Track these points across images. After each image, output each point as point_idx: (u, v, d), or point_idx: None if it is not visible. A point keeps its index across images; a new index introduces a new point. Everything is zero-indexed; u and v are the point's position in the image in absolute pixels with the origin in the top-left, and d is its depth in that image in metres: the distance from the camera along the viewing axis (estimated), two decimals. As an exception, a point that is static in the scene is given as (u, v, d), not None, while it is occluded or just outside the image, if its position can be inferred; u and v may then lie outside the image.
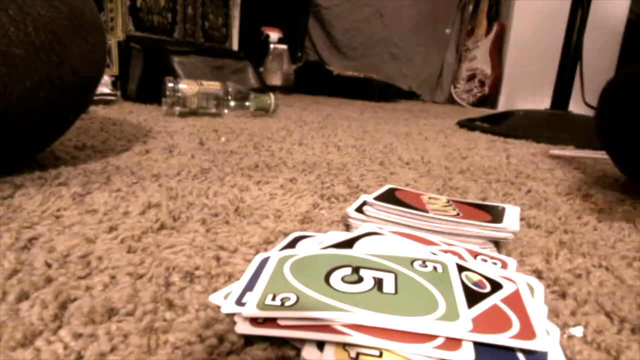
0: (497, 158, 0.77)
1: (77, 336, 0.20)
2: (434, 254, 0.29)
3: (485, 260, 0.30)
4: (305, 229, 0.36)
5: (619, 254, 0.35)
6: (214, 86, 1.01)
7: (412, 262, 0.27)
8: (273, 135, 0.82)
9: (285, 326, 0.20)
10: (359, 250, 0.29)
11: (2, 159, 0.44)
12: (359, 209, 0.38)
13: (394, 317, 0.21)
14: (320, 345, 0.20)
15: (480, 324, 0.21)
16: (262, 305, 0.22)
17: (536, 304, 0.24)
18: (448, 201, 0.40)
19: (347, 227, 0.37)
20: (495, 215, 0.37)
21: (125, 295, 0.23)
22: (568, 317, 0.25)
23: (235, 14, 2.04)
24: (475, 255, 0.30)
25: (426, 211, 0.36)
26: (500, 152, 0.85)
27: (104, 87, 1.08)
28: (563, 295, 0.27)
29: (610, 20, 2.00)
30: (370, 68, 2.39)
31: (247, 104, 1.06)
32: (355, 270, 0.26)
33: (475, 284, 0.25)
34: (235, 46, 2.06)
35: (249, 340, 0.21)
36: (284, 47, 1.93)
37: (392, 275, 0.25)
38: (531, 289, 0.26)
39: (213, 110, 1.02)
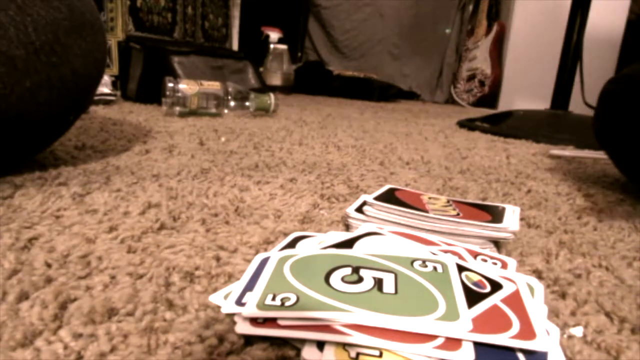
0: (497, 158, 0.77)
1: (77, 336, 0.20)
2: (434, 254, 0.29)
3: (485, 260, 0.30)
4: (305, 229, 0.36)
5: (619, 254, 0.35)
6: (214, 86, 1.01)
7: (412, 262, 0.27)
8: (273, 135, 0.82)
9: (285, 326, 0.20)
10: (359, 250, 0.29)
11: (2, 159, 0.44)
12: (359, 209, 0.38)
13: (394, 317, 0.21)
14: (320, 345, 0.20)
15: (480, 324, 0.21)
16: (262, 305, 0.22)
17: (536, 304, 0.24)
18: (448, 201, 0.40)
19: (347, 227, 0.37)
20: (495, 215, 0.37)
21: (125, 295, 0.23)
22: (568, 317, 0.25)
23: (235, 14, 2.04)
24: (475, 255, 0.30)
25: (426, 211, 0.36)
26: (500, 152, 0.85)
27: (104, 87, 1.08)
28: (563, 295, 0.27)
29: (610, 20, 2.00)
30: (370, 68, 2.39)
31: (247, 104, 1.06)
32: (355, 270, 0.26)
33: (475, 284, 0.25)
34: (235, 46, 2.06)
35: (249, 340, 0.21)
36: (284, 47, 1.93)
37: (392, 275, 0.25)
38: (531, 289, 0.26)
39: (213, 110, 1.02)
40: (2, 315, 0.21)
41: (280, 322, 0.21)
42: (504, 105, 2.18)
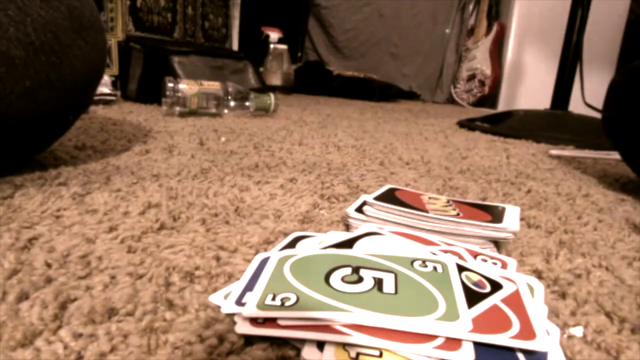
0: (497, 158, 0.77)
1: (77, 336, 0.20)
2: (434, 254, 0.29)
3: (485, 260, 0.30)
4: (305, 229, 0.36)
5: (619, 254, 0.35)
6: (214, 86, 1.01)
7: (412, 262, 0.27)
8: (273, 135, 0.82)
9: (285, 326, 0.20)
10: (359, 250, 0.29)
11: (2, 159, 0.44)
12: (359, 209, 0.38)
13: (394, 317, 0.21)
14: (320, 345, 0.20)
15: (480, 324, 0.21)
16: (262, 305, 0.22)
17: (536, 304, 0.24)
18: (448, 201, 0.40)
19: (347, 227, 0.37)
20: (495, 215, 0.37)
21: (125, 295, 0.23)
22: (568, 317, 0.25)
23: (235, 14, 2.04)
24: (475, 255, 0.30)
25: (426, 211, 0.36)
26: (500, 152, 0.85)
27: (104, 87, 1.08)
28: (563, 295, 0.27)
29: (610, 20, 2.00)
30: (370, 68, 2.39)
31: (247, 104, 1.06)
32: (355, 270, 0.26)
33: (475, 284, 0.25)
34: (235, 46, 2.06)
35: (249, 340, 0.21)
36: (284, 47, 1.93)
37: (392, 275, 0.25)
38: (531, 289, 0.26)
39: (213, 110, 1.02)
40: (2, 315, 0.21)
41: (280, 322, 0.21)
42: (504, 105, 2.18)
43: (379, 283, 0.24)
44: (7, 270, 0.25)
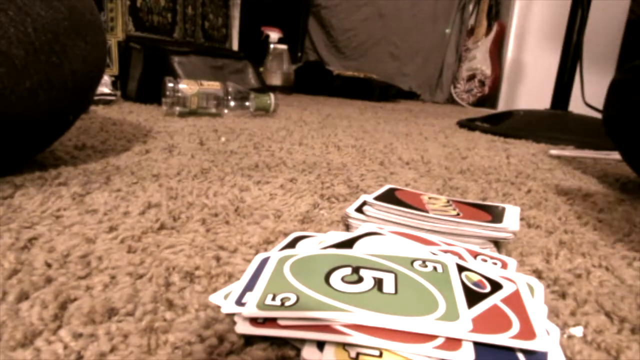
0: (497, 158, 0.77)
1: (77, 336, 0.20)
2: (434, 254, 0.29)
3: (485, 260, 0.30)
4: (305, 229, 0.36)
5: (619, 254, 0.35)
6: (214, 86, 1.01)
7: (412, 262, 0.27)
8: (273, 135, 0.82)
9: (285, 326, 0.20)
10: (359, 250, 0.29)
11: (2, 159, 0.44)
12: (359, 209, 0.38)
13: (394, 317, 0.21)
14: (320, 345, 0.20)
15: (480, 324, 0.21)
16: (262, 305, 0.22)
17: (536, 304, 0.24)
18: (448, 201, 0.40)
19: (347, 227, 0.37)
20: (495, 215, 0.37)
21: (125, 295, 0.23)
22: (568, 317, 0.25)
23: (235, 14, 2.04)
24: (475, 255, 0.30)
25: (426, 211, 0.36)
26: (500, 152, 0.85)
27: (104, 87, 1.08)
28: (563, 295, 0.27)
29: (610, 20, 2.00)
30: (370, 68, 2.39)
31: (247, 104, 1.06)
32: (355, 270, 0.26)
33: (475, 284, 0.25)
34: (235, 46, 2.06)
35: (249, 340, 0.21)
36: (284, 47, 1.93)
37: (392, 275, 0.25)
38: (531, 289, 0.26)
39: (213, 110, 1.02)
40: (2, 315, 0.21)
41: (280, 322, 0.21)
42: (504, 105, 2.18)
43: (379, 283, 0.24)
44: (7, 270, 0.25)
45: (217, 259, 0.29)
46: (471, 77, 2.30)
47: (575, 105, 1.19)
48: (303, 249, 0.30)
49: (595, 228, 0.42)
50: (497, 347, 0.20)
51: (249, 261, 0.28)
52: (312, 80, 2.08)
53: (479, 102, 2.29)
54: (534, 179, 0.62)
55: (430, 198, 0.41)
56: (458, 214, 0.36)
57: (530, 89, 2.13)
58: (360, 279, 0.25)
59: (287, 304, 0.22)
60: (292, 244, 0.31)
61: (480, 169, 0.66)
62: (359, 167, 0.61)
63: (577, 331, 0.23)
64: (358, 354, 0.19)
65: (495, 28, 2.22)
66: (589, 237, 0.39)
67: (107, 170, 0.49)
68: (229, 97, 1.04)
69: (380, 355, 0.19)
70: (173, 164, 0.54)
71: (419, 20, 2.43)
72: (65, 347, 0.19)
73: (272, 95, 1.10)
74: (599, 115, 0.86)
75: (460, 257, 0.29)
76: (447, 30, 2.40)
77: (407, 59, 2.49)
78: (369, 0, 2.46)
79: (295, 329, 0.20)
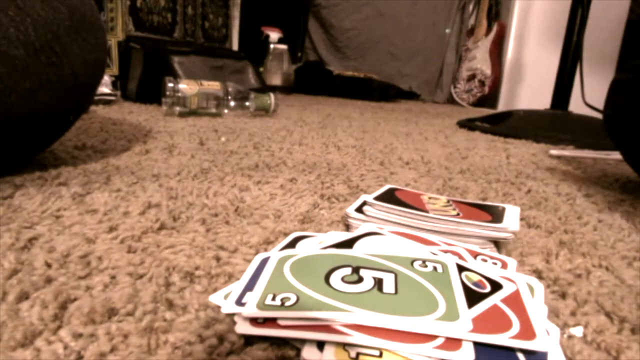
0: (497, 158, 0.77)
1: (77, 336, 0.20)
2: (434, 254, 0.29)
3: (485, 260, 0.30)
4: (305, 229, 0.36)
5: (619, 254, 0.35)
6: (214, 86, 1.01)
7: (412, 262, 0.27)
8: (273, 135, 0.82)
9: (285, 326, 0.20)
10: (359, 250, 0.29)
11: (2, 159, 0.44)
12: (359, 209, 0.38)
13: (394, 317, 0.21)
14: (320, 345, 0.20)
15: (480, 324, 0.21)
16: (262, 305, 0.22)
17: (536, 304, 0.24)
18: (448, 201, 0.40)
19: (347, 227, 0.37)
20: (495, 215, 0.37)
21: (125, 295, 0.23)
22: (568, 317, 0.25)
23: (235, 14, 2.04)
24: (475, 255, 0.30)
25: (426, 211, 0.36)
26: (500, 152, 0.85)
27: (104, 87, 1.08)
28: (563, 295, 0.27)
29: (610, 20, 2.00)
30: (370, 68, 2.39)
31: (247, 104, 1.06)
32: (355, 270, 0.26)
33: (475, 284, 0.25)
34: (235, 46, 2.06)
35: (249, 340, 0.21)
36: (284, 47, 1.93)
37: (392, 275, 0.25)
38: (531, 289, 0.26)
39: (213, 110, 1.02)
40: (2, 315, 0.21)
41: (280, 322, 0.21)
42: (504, 105, 2.18)
43: (379, 283, 0.24)
44: (7, 270, 0.25)
45: (217, 259, 0.29)
46: (471, 77, 2.30)
47: (575, 105, 1.19)
48: (303, 249, 0.30)
49: (595, 228, 0.42)
50: (497, 347, 0.20)
51: (249, 261, 0.28)
52: (312, 80, 2.08)
53: (479, 102, 2.29)
54: (534, 179, 0.62)
55: (430, 198, 0.41)
56: (458, 214, 0.36)
57: (530, 89, 2.13)
58: (360, 279, 0.25)
59: (287, 304, 0.22)
60: (292, 244, 0.31)
61: (480, 169, 0.66)
62: (359, 167, 0.61)
63: (577, 331, 0.23)
64: (358, 354, 0.19)
65: (495, 28, 2.22)
66: (589, 237, 0.39)
67: (107, 170, 0.49)
68: (229, 97, 1.04)
69: (380, 355, 0.19)
70: (173, 164, 0.54)
71: (419, 20, 2.44)
72: (65, 347, 0.19)
73: (272, 95, 1.10)
74: (599, 115, 0.86)
75: (460, 257, 0.29)
76: (447, 30, 2.40)
77: (407, 59, 2.49)
78: (369, 0, 2.46)
79: (295, 329, 0.20)
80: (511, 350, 0.20)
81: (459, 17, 2.39)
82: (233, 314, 0.22)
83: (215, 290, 0.25)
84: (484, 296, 0.24)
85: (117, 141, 0.65)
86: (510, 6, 2.15)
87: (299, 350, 0.20)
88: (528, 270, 0.31)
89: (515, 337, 0.20)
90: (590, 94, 1.15)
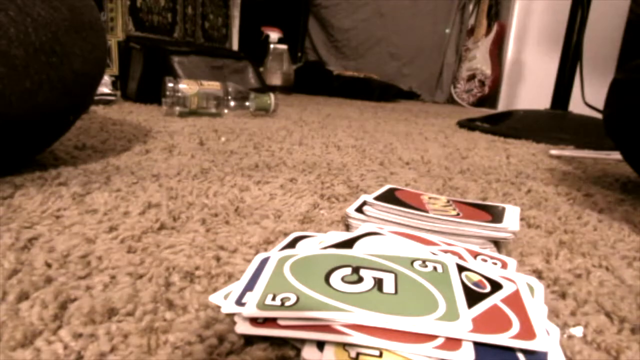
0: (497, 158, 0.77)
1: (77, 336, 0.20)
2: (434, 254, 0.29)
3: (485, 260, 0.30)
4: (305, 229, 0.36)
5: (619, 254, 0.35)
6: (214, 86, 1.01)
7: (412, 262, 0.27)
8: (273, 135, 0.82)
9: (285, 326, 0.20)
10: (359, 250, 0.29)
11: (2, 159, 0.44)
12: (359, 209, 0.38)
13: (394, 317, 0.21)
14: (320, 345, 0.20)
15: (480, 324, 0.21)
16: (262, 305, 0.22)
17: (536, 304, 0.24)
18: (448, 201, 0.40)
19: (347, 227, 0.37)
20: (495, 215, 0.37)
21: (125, 295, 0.23)
22: (568, 317, 0.25)
23: (235, 14, 2.04)
24: (475, 255, 0.30)
25: (426, 211, 0.36)
26: (500, 152, 0.85)
27: (104, 87, 1.08)
28: (563, 295, 0.27)
29: (610, 20, 2.00)
30: (370, 68, 2.39)
31: (247, 104, 1.06)
32: (355, 270, 0.26)
33: (475, 284, 0.25)
34: (235, 46, 2.06)
35: (249, 340, 0.21)
36: (284, 47, 1.93)
37: (392, 275, 0.25)
38: (531, 289, 0.26)
39: (213, 110, 1.02)
40: (2, 315, 0.21)
41: (280, 322, 0.21)
42: (504, 105, 2.18)
43: (379, 283, 0.24)
44: (7, 270, 0.25)
45: (217, 259, 0.29)
46: (471, 77, 2.30)
47: (575, 105, 1.19)
48: (303, 249, 0.30)
49: (595, 228, 0.42)
50: (497, 347, 0.20)
51: (249, 261, 0.28)
52: (312, 80, 2.08)
53: (479, 102, 2.29)
54: (534, 179, 0.62)
55: (430, 198, 0.41)
56: (458, 214, 0.36)
57: (530, 89, 2.13)
58: (360, 279, 0.25)
59: (287, 304, 0.22)
60: (292, 244, 0.31)
61: (480, 169, 0.66)
62: (359, 167, 0.61)
63: (577, 331, 0.23)
64: (358, 354, 0.19)
65: (495, 28, 2.22)
66: (589, 237, 0.39)
67: (107, 170, 0.49)
68: (229, 97, 1.04)
69: (380, 355, 0.19)
70: (173, 164, 0.54)
71: (419, 20, 2.43)
72: (65, 347, 0.19)
73: (272, 95, 1.10)
74: (599, 115, 0.86)
75: (460, 257, 0.29)
76: (447, 30, 2.40)
77: (407, 59, 2.49)
78: (369, 0, 2.46)
79: (295, 329, 0.20)
80: (511, 350, 0.20)
81: (459, 17, 2.39)
82: (233, 314, 0.22)
83: (215, 290, 0.25)
84: (484, 296, 0.24)
85: (117, 141, 0.65)
86: (510, 6, 2.15)
87: (299, 350, 0.20)
88: (528, 270, 0.31)
89: (515, 337, 0.20)
90: (590, 94, 1.15)
